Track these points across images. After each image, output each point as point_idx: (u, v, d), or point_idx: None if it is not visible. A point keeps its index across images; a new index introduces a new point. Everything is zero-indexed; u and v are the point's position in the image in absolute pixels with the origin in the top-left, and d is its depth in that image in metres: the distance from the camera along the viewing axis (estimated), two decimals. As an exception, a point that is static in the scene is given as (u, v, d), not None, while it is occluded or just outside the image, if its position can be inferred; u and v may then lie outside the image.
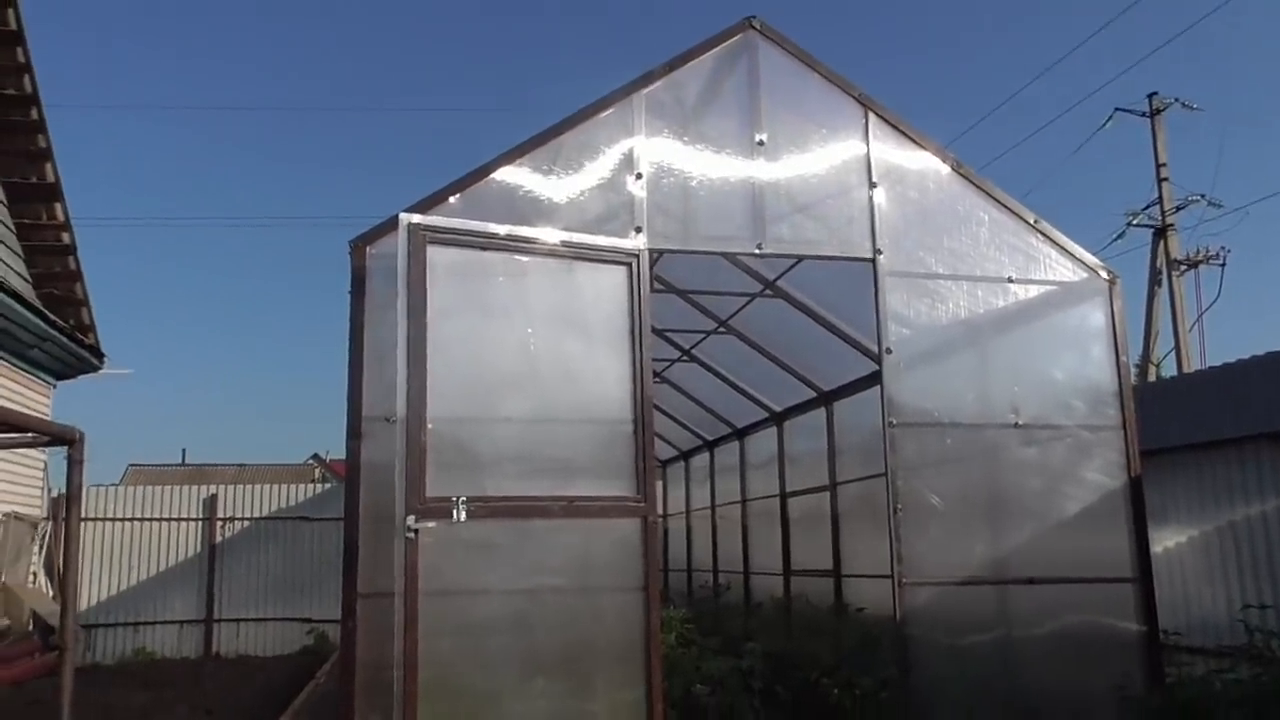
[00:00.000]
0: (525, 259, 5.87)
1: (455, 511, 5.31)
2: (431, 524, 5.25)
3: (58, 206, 12.05)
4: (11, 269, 11.47)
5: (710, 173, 6.52)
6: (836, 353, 9.58)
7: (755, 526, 13.45)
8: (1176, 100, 20.35)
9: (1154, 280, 20.14)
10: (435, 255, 5.57)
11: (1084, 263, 7.03)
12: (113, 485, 18.68)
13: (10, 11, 10.60)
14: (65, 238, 12.31)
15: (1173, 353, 19.66)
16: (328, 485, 17.62)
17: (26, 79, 11.06)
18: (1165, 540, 8.03)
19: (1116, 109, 21.02)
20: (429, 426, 5.34)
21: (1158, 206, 20.15)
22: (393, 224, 5.58)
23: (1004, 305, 6.84)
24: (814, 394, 11.16)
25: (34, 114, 11.32)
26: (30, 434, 4.93)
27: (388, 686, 5.17)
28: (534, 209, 6.10)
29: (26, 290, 11.57)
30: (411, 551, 5.18)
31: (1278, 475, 7.38)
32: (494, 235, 5.75)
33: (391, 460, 5.31)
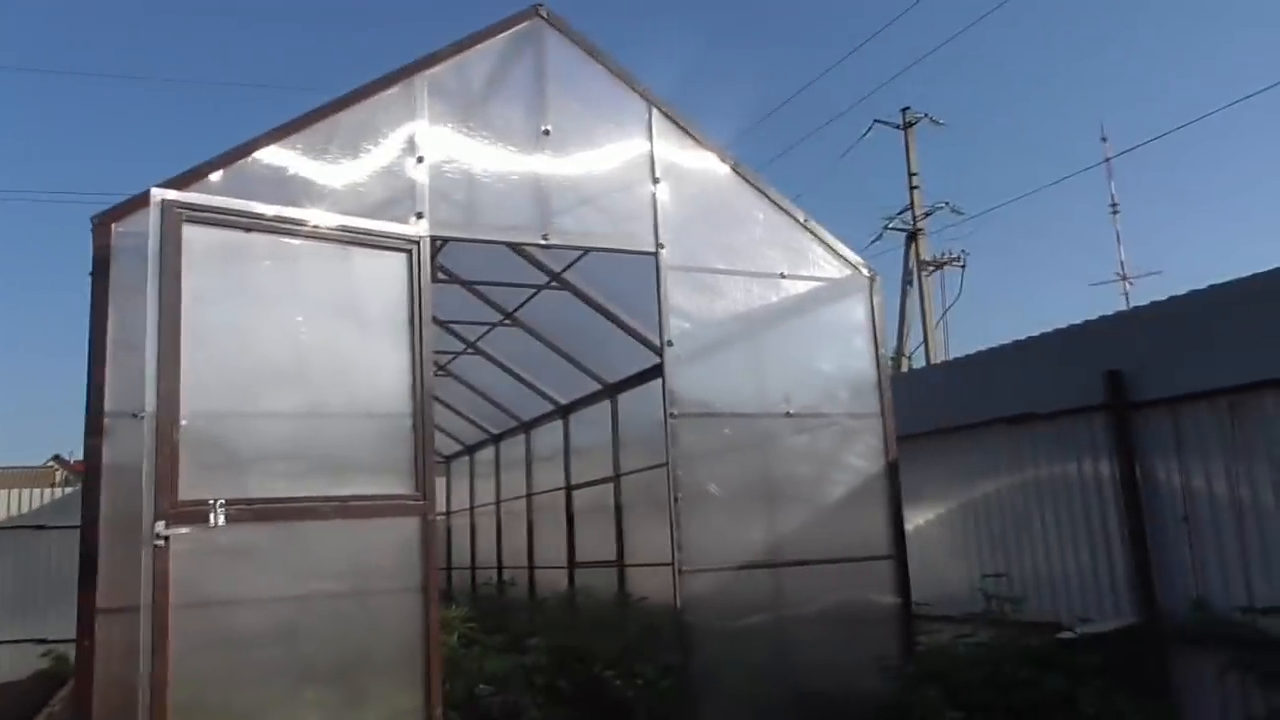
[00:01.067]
0: (297, 243, 5.51)
1: (213, 515, 4.91)
2: (185, 529, 4.81)
3: None
4: None
5: (496, 160, 6.38)
6: (621, 346, 9.69)
7: (541, 520, 13.41)
8: (926, 116, 22.14)
9: (906, 279, 21.86)
10: (193, 235, 5.12)
11: (848, 260, 7.44)
12: None
13: None
14: None
15: (922, 346, 21.42)
16: (71, 489, 15.96)
17: None
18: (918, 519, 8.67)
19: (875, 120, 22.63)
20: (183, 423, 4.90)
21: (909, 212, 21.86)
22: (144, 200, 5.08)
23: (777, 300, 7.12)
24: (599, 386, 11.25)
25: None
26: None
27: (133, 709, 4.70)
28: (307, 191, 5.72)
29: None
30: (161, 560, 4.72)
31: (1010, 456, 8.14)
32: (260, 216, 5.36)
33: (139, 461, 4.83)
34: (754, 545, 6.75)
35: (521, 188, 6.44)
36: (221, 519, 4.94)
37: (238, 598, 5.09)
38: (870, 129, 22.64)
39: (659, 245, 6.75)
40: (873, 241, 22.71)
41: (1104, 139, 30.23)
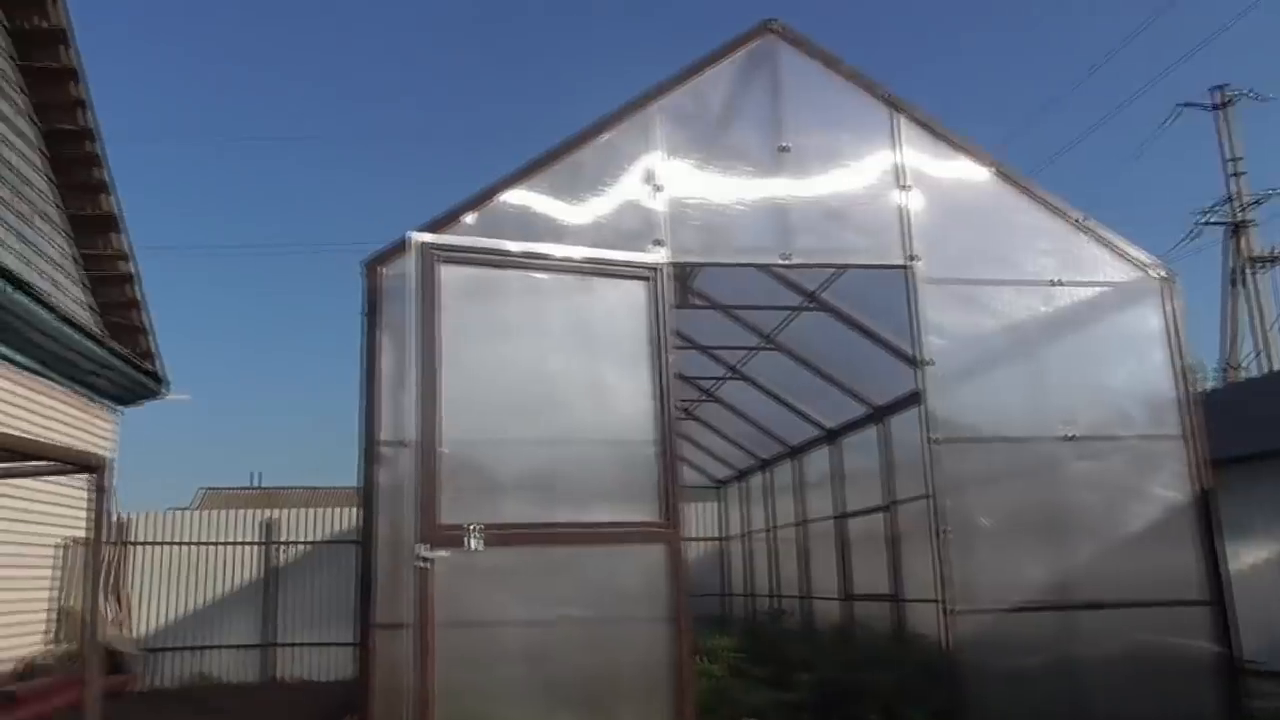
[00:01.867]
0: (542, 276, 5.72)
1: (470, 539, 5.14)
2: (445, 552, 5.09)
3: (116, 236, 12.33)
4: (75, 299, 11.75)
5: (733, 182, 6.30)
6: (887, 366, 9.22)
7: (814, 548, 13.06)
8: (1245, 93, 19.36)
9: (1232, 279, 19.14)
10: (448, 274, 5.45)
11: (1136, 261, 6.61)
12: (183, 509, 19.10)
13: (64, 49, 10.88)
14: (125, 267, 12.60)
15: (1256, 354, 18.66)
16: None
17: (81, 113, 11.35)
18: (1245, 557, 7.44)
19: (1179, 105, 20.08)
20: (442, 451, 5.20)
21: (1229, 204, 19.15)
22: (405, 244, 5.47)
23: (1050, 310, 6.45)
24: (867, 409, 10.79)
25: (91, 147, 11.60)
26: (53, 462, 4.92)
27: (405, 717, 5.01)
28: (550, 226, 5.94)
29: (89, 320, 11.85)
30: (425, 581, 5.03)
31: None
32: (508, 253, 5.61)
33: (407, 486, 5.19)
34: (1034, 584, 6.12)
35: (760, 208, 6.30)
36: (477, 543, 5.17)
37: (493, 618, 5.31)
38: (1175, 115, 20.16)
39: (910, 258, 6.33)
40: (1183, 240, 20.13)
41: None
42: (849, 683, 8.16)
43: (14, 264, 9.79)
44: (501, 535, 5.25)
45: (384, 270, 5.70)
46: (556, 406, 5.61)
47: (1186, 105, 19.80)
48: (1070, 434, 6.30)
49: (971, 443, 6.23)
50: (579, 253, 5.74)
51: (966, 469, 6.20)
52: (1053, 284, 6.47)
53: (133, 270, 12.72)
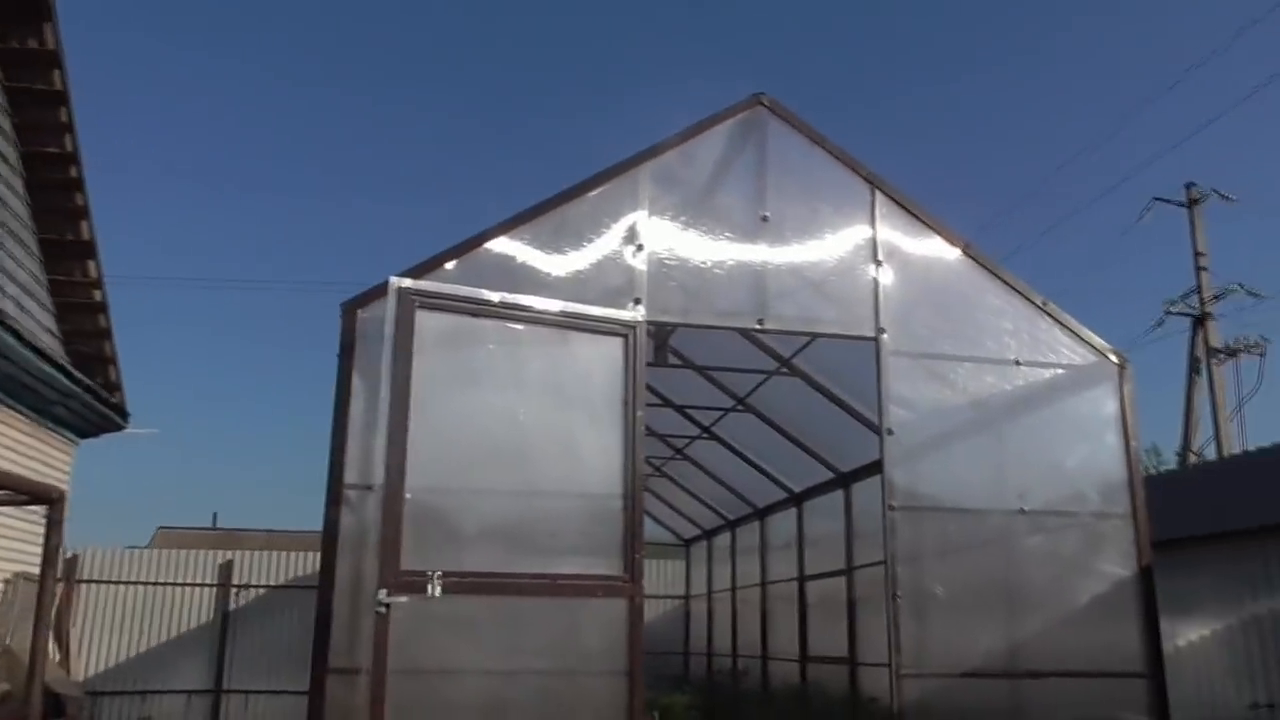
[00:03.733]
0: (519, 328, 5.80)
1: (430, 586, 5.15)
2: (404, 598, 5.07)
3: (90, 264, 12.26)
4: (40, 324, 11.66)
5: (714, 247, 6.47)
6: (854, 433, 9.35)
7: (775, 610, 13.07)
8: (1214, 191, 20.13)
9: (1193, 368, 19.64)
10: (425, 320, 5.51)
11: (1093, 346, 6.88)
12: (139, 548, 18.72)
13: (56, 72, 10.93)
14: (97, 295, 12.52)
15: (1212, 441, 19.11)
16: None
17: (68, 138, 11.38)
18: (1186, 634, 7.60)
19: (1154, 199, 20.75)
20: (407, 496, 5.22)
21: (1196, 295, 19.81)
22: (384, 288, 5.55)
23: (1011, 388, 6.68)
24: (832, 475, 10.91)
25: (73, 172, 11.58)
26: (7, 491, 4.88)
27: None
28: (532, 278, 6.05)
29: (53, 346, 11.73)
30: (382, 627, 5.00)
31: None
32: (487, 302, 5.70)
33: (370, 530, 5.20)
34: (982, 652, 6.28)
35: (738, 274, 6.47)
36: (438, 590, 5.17)
37: (450, 668, 5.31)
38: (1149, 208, 20.84)
39: (879, 330, 6.52)
40: (1153, 328, 20.66)
41: None
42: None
43: (-17, 285, 9.75)
44: (463, 584, 5.25)
45: (362, 314, 5.76)
46: (526, 457, 5.66)
47: (1160, 200, 20.50)
48: (1024, 508, 6.48)
49: (928, 511, 6.39)
50: (557, 306, 5.85)
51: (922, 537, 6.36)
52: (1015, 363, 6.70)
53: (104, 299, 12.65)
